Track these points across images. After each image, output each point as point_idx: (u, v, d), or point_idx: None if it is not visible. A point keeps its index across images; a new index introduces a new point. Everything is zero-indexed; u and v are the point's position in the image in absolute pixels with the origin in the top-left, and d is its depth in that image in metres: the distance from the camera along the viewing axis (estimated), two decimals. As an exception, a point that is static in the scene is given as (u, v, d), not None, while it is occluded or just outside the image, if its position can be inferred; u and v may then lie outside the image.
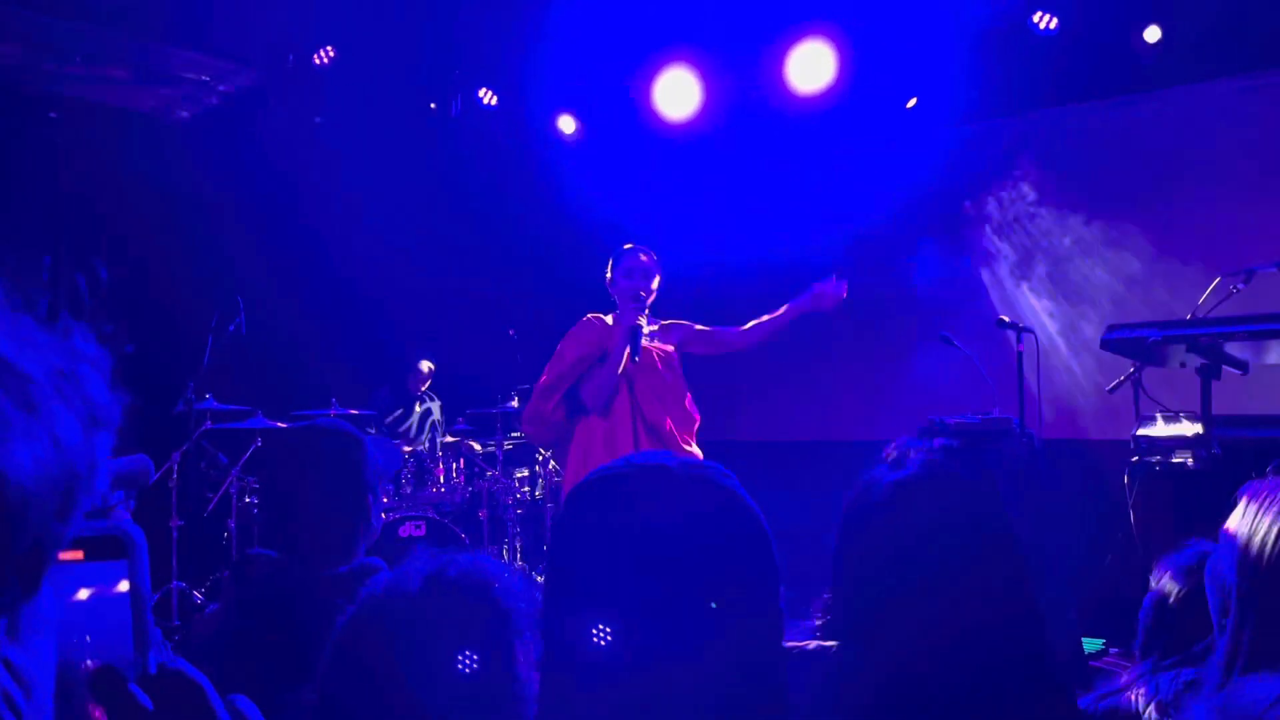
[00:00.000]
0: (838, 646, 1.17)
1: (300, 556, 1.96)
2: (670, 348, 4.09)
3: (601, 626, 0.98)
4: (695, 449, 3.99)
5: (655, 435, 3.92)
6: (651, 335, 4.07)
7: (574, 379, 4.05)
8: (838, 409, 7.17)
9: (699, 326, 4.22)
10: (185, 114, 6.69)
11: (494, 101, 7.37)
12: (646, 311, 3.99)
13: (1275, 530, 1.40)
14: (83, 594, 0.77)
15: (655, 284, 4.05)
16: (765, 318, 4.21)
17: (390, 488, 5.71)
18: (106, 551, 0.79)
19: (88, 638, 0.77)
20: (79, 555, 0.77)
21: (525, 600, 1.21)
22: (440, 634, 1.17)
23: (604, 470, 1.09)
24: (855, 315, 7.20)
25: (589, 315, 4.20)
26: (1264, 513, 1.43)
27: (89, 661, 0.76)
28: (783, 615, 1.06)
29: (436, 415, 6.64)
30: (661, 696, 0.97)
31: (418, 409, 6.53)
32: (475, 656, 1.16)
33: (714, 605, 0.98)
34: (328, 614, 1.25)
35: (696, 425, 4.09)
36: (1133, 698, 1.78)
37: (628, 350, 3.86)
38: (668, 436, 3.93)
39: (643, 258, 4.10)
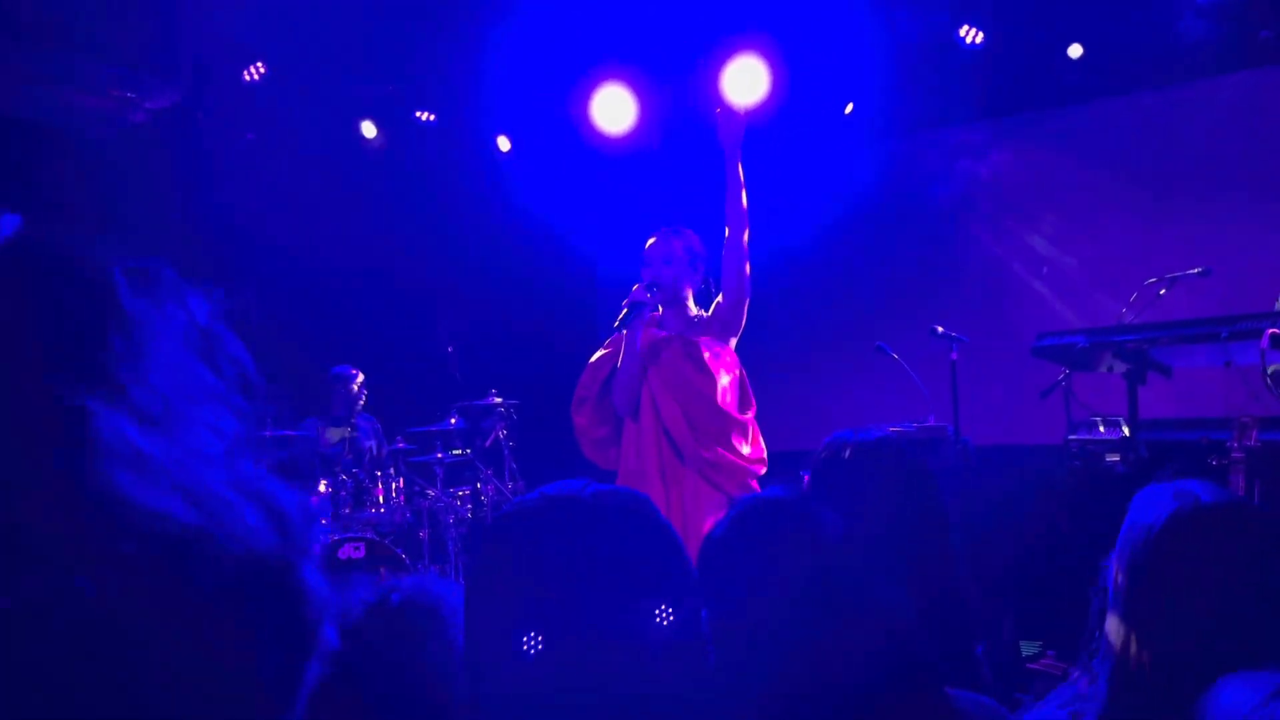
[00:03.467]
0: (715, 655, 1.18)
1: None
2: (701, 339, 3.57)
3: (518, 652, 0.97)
4: (735, 453, 3.47)
5: (670, 438, 3.48)
6: (670, 325, 3.66)
7: (597, 385, 3.66)
8: (775, 420, 7.20)
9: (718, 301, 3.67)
10: (110, 131, 6.53)
11: (431, 119, 7.33)
12: (648, 296, 3.57)
13: (1155, 527, 1.45)
14: None
15: (675, 267, 3.63)
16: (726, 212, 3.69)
17: (328, 508, 5.61)
18: None
19: None
20: None
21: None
22: (392, 664, 1.15)
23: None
24: (791, 327, 7.29)
25: None
26: (1140, 514, 1.49)
27: None
28: (704, 634, 1.07)
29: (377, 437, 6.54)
30: (592, 713, 0.97)
31: (347, 432, 6.39)
32: (431, 684, 1.14)
33: (629, 633, 0.98)
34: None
35: (743, 427, 3.55)
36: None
37: (626, 334, 3.52)
38: (683, 440, 3.46)
39: (651, 242, 3.71)
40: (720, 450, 3.46)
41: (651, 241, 3.71)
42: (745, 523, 1.28)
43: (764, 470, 3.57)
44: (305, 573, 0.58)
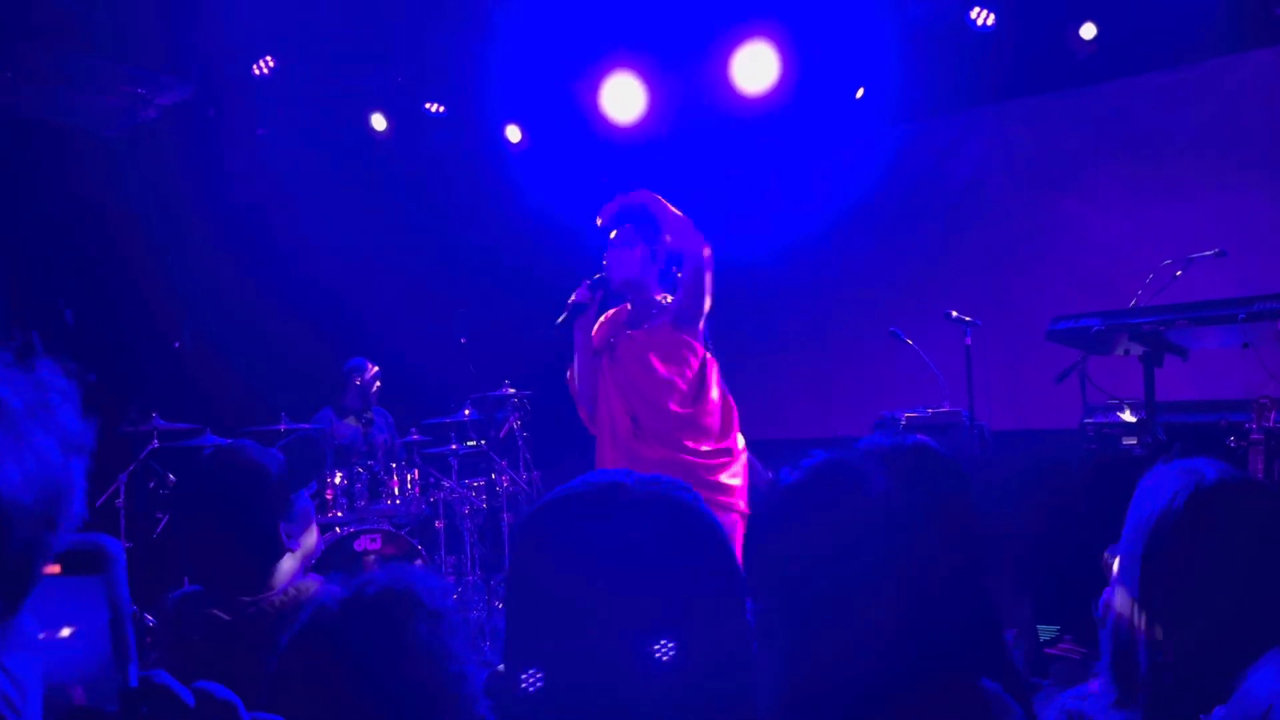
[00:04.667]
0: (758, 647, 1.18)
1: (219, 590, 1.93)
2: (661, 334, 3.56)
3: (535, 671, 0.97)
4: (686, 452, 3.44)
5: (639, 428, 3.50)
6: (636, 316, 3.66)
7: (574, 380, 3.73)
8: (792, 408, 7.21)
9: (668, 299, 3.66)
10: (122, 128, 6.56)
11: (441, 110, 7.33)
12: (591, 296, 3.61)
13: (1165, 509, 1.44)
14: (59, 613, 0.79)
15: (623, 259, 3.61)
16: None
17: (343, 500, 5.63)
18: (82, 566, 0.81)
19: (71, 653, 0.78)
20: (56, 569, 0.79)
21: (450, 598, 1.20)
22: (375, 652, 1.15)
23: (560, 491, 1.08)
24: (806, 313, 7.28)
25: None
26: (1150, 496, 1.48)
27: (77, 688, 0.79)
28: (749, 626, 1.06)
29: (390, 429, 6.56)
30: (629, 714, 0.97)
31: (355, 421, 6.42)
32: (412, 663, 1.14)
33: (671, 631, 0.97)
34: (262, 648, 1.23)
35: (693, 422, 3.49)
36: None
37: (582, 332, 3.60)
38: (627, 442, 3.49)
39: (612, 235, 3.69)
40: (666, 451, 3.43)
41: (613, 235, 3.67)
42: (798, 486, 1.27)
43: (733, 460, 3.52)
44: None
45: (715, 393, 3.56)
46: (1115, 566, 1.58)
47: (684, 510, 1.04)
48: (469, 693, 1.16)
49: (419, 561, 5.38)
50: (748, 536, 1.28)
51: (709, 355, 3.61)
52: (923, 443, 1.64)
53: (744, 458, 3.58)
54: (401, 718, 1.14)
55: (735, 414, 3.61)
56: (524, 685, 0.97)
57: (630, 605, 0.97)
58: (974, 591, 1.65)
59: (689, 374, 3.53)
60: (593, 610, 0.97)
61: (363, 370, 6.37)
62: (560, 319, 3.57)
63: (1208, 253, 4.85)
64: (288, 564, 1.99)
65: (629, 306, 3.72)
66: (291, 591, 1.91)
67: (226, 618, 1.88)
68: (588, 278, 3.64)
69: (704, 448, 3.46)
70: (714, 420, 3.52)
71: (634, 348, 3.56)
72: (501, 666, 1.05)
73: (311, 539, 2.08)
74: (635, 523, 1.01)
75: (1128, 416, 4.52)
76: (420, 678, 1.15)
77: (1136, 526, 1.49)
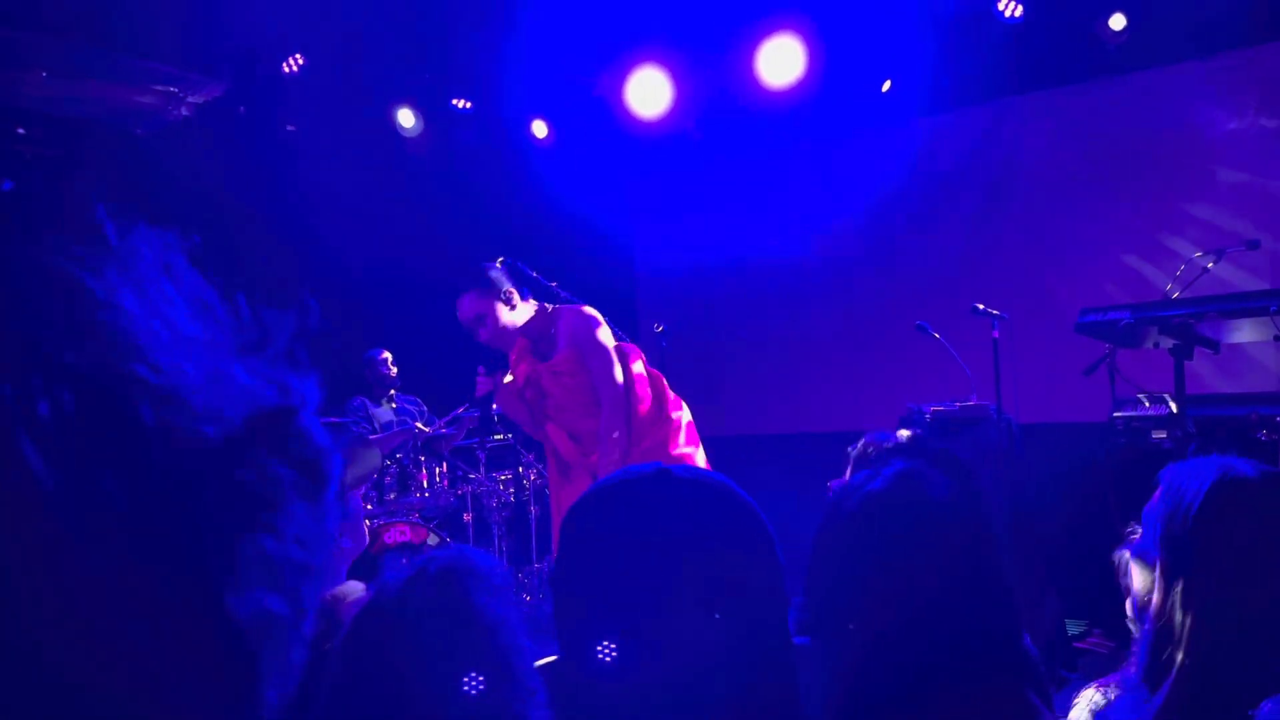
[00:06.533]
0: (810, 642, 1.20)
1: None
2: (560, 362, 3.76)
3: (607, 641, 0.99)
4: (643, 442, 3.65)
5: (558, 451, 3.81)
6: (537, 347, 3.85)
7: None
8: (819, 401, 7.20)
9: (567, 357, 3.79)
10: (155, 126, 6.64)
11: (468, 106, 7.37)
12: (492, 379, 3.96)
13: (1193, 503, 1.44)
14: None
15: (488, 329, 3.77)
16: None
17: (373, 494, 5.70)
18: None
19: None
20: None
21: (509, 579, 1.24)
22: (440, 622, 1.18)
23: (604, 481, 1.11)
24: (833, 306, 7.26)
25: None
26: (1184, 489, 1.47)
27: None
28: (789, 613, 1.08)
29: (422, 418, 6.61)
30: (675, 699, 0.99)
31: (388, 406, 6.50)
32: (476, 646, 1.17)
33: (717, 615, 0.99)
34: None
35: (641, 413, 3.69)
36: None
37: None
38: (568, 453, 3.78)
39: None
40: (594, 458, 3.66)
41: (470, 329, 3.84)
42: (882, 504, 1.28)
43: (687, 450, 3.67)
44: (304, 420, 0.59)
45: (637, 386, 3.73)
46: (1128, 562, 1.58)
47: (724, 495, 1.07)
48: (526, 666, 1.20)
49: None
50: (819, 537, 1.29)
51: (619, 347, 3.77)
52: (914, 483, 1.66)
53: (685, 424, 3.75)
54: (464, 686, 1.16)
55: (663, 383, 3.79)
56: (601, 656, 0.99)
57: (674, 588, 1.00)
58: (1003, 593, 1.66)
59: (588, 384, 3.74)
60: (646, 591, 1.00)
61: (373, 360, 6.49)
62: (486, 408, 3.84)
63: (1240, 245, 4.80)
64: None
65: (525, 341, 3.87)
66: (338, 591, 1.95)
67: None
68: (479, 369, 3.96)
69: (645, 442, 3.65)
70: (645, 407, 3.71)
71: (549, 374, 3.76)
72: (552, 658, 1.08)
73: (361, 539, 2.12)
74: (678, 508, 1.04)
75: (1157, 410, 4.48)
76: (483, 646, 1.17)
77: (1168, 517, 1.48)
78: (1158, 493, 1.54)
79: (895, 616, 1.19)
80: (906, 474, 1.30)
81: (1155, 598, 1.50)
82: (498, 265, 3.91)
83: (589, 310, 3.77)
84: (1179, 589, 1.45)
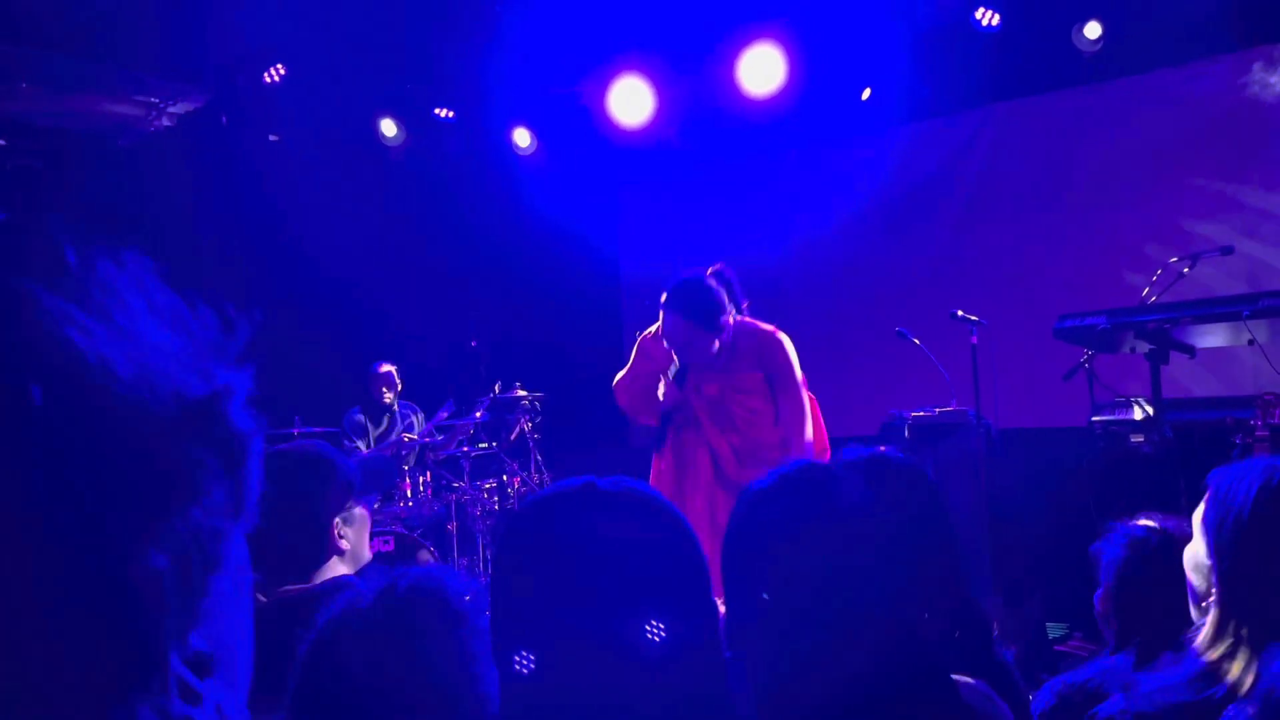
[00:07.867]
0: (733, 655, 1.21)
1: (263, 574, 1.98)
2: (745, 380, 3.57)
3: (527, 653, 1.03)
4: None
5: (717, 463, 3.56)
6: (717, 363, 3.56)
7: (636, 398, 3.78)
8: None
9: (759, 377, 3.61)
10: (136, 136, 6.63)
11: (450, 115, 7.39)
12: (674, 382, 3.62)
13: (1245, 507, 1.46)
14: None
15: (696, 347, 3.50)
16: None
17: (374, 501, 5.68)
18: None
19: None
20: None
21: (476, 601, 1.25)
22: (398, 645, 1.20)
23: (534, 496, 1.16)
24: (813, 313, 7.29)
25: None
26: (1232, 494, 1.49)
27: None
28: (717, 615, 1.11)
29: (418, 426, 6.58)
30: (609, 704, 1.02)
31: (386, 419, 6.48)
32: (436, 663, 1.19)
33: (647, 625, 1.02)
34: (291, 634, 1.27)
35: (782, 444, 3.53)
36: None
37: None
38: (729, 466, 3.53)
39: (661, 320, 3.57)
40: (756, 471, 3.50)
41: (661, 320, 3.56)
42: (770, 492, 1.30)
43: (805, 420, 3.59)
44: (226, 406, 0.63)
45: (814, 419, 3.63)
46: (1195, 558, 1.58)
47: (650, 505, 1.11)
48: (482, 693, 1.21)
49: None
50: (725, 540, 1.31)
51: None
52: (883, 454, 1.68)
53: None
54: (413, 713, 1.18)
55: (819, 411, 3.72)
56: (517, 667, 1.03)
57: (608, 592, 1.04)
58: (955, 593, 1.68)
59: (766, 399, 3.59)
60: (574, 597, 1.04)
61: (371, 375, 6.46)
62: (664, 425, 3.60)
63: (1214, 250, 4.85)
64: (336, 565, 2.05)
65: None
66: (330, 585, 1.97)
67: (263, 599, 1.93)
68: (666, 374, 3.62)
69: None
70: (820, 443, 3.64)
71: (722, 388, 3.56)
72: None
73: (365, 548, 2.15)
74: (608, 517, 1.08)
75: (1135, 414, 4.53)
76: (435, 676, 1.19)
77: (1218, 525, 1.49)
78: (1206, 498, 1.56)
79: (805, 622, 1.21)
80: (789, 476, 1.31)
81: (1214, 602, 1.51)
82: (709, 276, 3.54)
83: (786, 339, 3.58)
84: (1233, 593, 1.46)
